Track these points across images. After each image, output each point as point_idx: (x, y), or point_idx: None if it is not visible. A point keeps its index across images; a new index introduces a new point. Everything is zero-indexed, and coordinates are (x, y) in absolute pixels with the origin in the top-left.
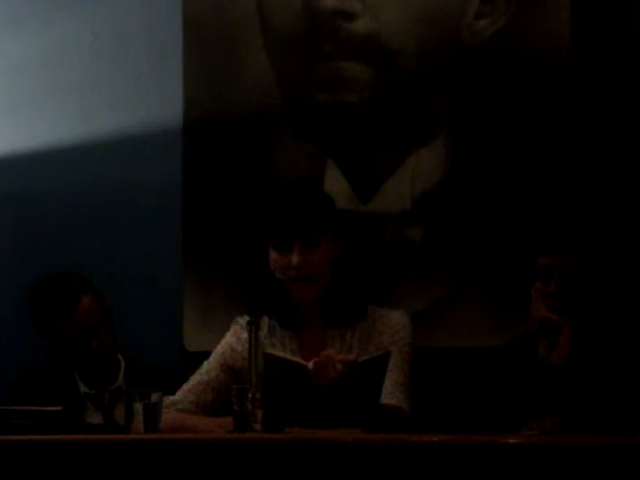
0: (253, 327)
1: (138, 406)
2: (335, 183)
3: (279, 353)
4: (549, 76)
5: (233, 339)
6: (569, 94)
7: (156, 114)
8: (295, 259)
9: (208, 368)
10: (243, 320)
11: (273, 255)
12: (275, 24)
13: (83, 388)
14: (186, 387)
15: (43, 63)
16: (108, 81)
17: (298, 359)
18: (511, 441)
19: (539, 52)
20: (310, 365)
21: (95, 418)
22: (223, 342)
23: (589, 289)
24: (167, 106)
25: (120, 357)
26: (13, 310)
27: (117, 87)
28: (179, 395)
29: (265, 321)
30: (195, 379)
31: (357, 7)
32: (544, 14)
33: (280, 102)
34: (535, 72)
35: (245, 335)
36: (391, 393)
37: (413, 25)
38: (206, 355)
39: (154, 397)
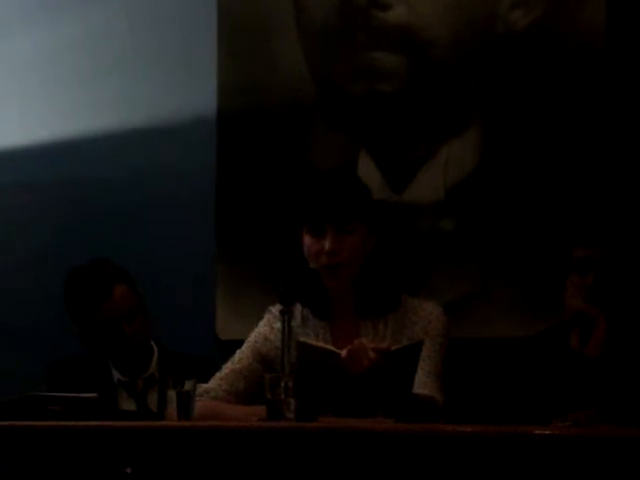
0: (286, 316)
1: (172, 394)
2: (368, 173)
3: (312, 341)
4: (584, 66)
5: (266, 328)
6: (604, 84)
7: (190, 104)
8: (328, 244)
9: (241, 357)
10: (276, 309)
11: (307, 241)
12: (309, 14)
13: (117, 375)
14: (219, 375)
15: (78, 51)
16: (142, 71)
17: (331, 347)
18: (544, 432)
19: (574, 42)
20: (343, 353)
21: (128, 405)
22: (256, 331)
23: (627, 282)
24: (201, 96)
25: (153, 345)
26: (49, 298)
27: (151, 77)
28: (212, 383)
29: (298, 310)
30: (228, 368)
31: None
32: (579, 4)
33: (314, 92)
34: (570, 62)
35: (278, 324)
36: (423, 383)
37: (447, 15)
38: (239, 344)
39: (188, 385)
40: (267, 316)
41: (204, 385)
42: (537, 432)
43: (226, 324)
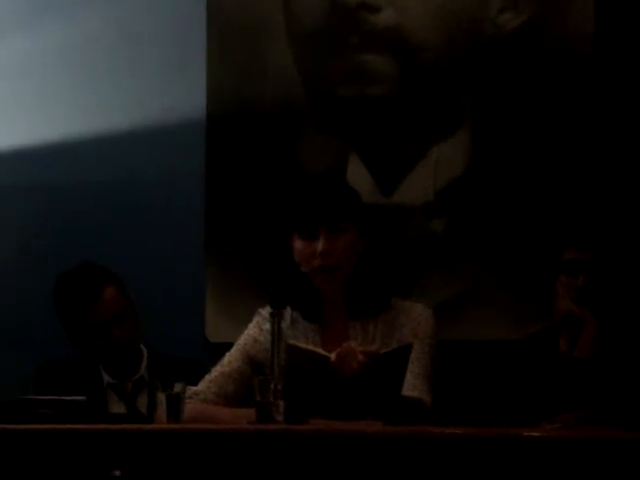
0: (276, 318)
1: (161, 396)
2: (358, 176)
3: (302, 344)
4: (572, 70)
5: (255, 330)
6: (592, 87)
7: (179, 106)
8: (321, 246)
9: (230, 359)
10: (265, 312)
11: (298, 245)
12: (299, 16)
13: (106, 378)
14: (208, 378)
15: (69, 54)
16: (132, 73)
17: (321, 350)
18: (533, 434)
19: (562, 46)
20: (333, 356)
21: (118, 408)
22: (245, 333)
23: (616, 284)
24: (190, 98)
25: (142, 347)
26: (44, 301)
27: (141, 79)
28: (201, 386)
29: (288, 313)
30: (217, 370)
31: (381, 0)
32: (567, 8)
33: (303, 95)
34: (558, 66)
35: (267, 326)
36: (412, 385)
37: (436, 18)
38: (228, 346)
39: (177, 387)
40: (256, 318)
41: (193, 388)
42: (526, 434)
43: (216, 327)
